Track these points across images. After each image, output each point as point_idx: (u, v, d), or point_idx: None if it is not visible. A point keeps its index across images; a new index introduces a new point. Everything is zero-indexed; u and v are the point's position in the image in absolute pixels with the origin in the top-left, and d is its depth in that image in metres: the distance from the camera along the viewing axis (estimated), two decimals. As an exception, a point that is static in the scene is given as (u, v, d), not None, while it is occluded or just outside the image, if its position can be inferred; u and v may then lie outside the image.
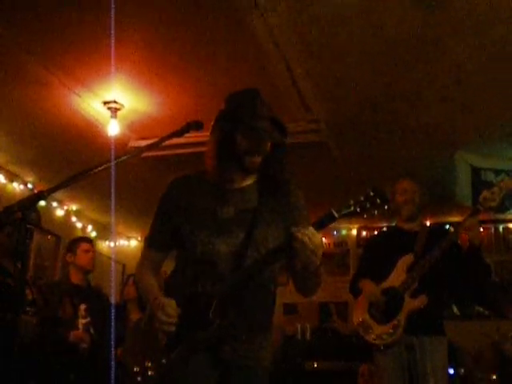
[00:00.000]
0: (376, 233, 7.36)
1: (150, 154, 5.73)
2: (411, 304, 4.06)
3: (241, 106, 2.65)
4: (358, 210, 2.35)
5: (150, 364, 2.48)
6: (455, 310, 8.06)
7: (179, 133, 2.54)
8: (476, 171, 6.03)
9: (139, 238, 9.81)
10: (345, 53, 4.51)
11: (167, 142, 2.58)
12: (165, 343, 2.40)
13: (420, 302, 4.04)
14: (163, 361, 2.39)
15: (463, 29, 4.16)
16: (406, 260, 4.23)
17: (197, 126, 2.55)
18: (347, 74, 4.82)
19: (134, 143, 5.88)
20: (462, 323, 7.77)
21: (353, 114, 5.45)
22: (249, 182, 2.67)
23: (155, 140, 2.62)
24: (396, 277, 4.17)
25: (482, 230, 8.16)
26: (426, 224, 5.74)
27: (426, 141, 5.95)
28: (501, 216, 7.94)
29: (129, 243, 9.89)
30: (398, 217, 4.59)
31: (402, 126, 5.63)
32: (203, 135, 5.51)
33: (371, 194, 2.38)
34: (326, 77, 4.85)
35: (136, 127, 5.76)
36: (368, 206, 2.36)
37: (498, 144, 6.01)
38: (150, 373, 2.47)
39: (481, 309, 8.03)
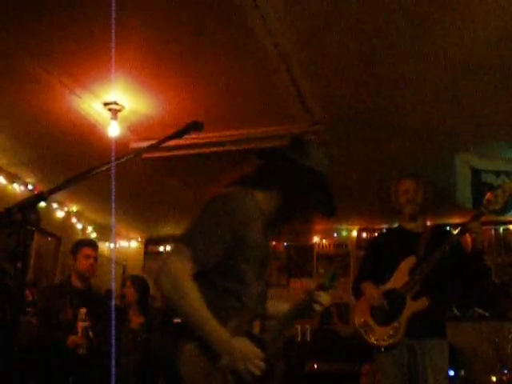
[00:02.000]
0: (377, 233, 7.36)
1: (151, 155, 5.73)
2: (413, 306, 4.05)
3: (319, 161, 2.62)
4: None
5: None
6: (455, 311, 8.05)
7: (179, 134, 2.52)
8: (476, 173, 6.03)
9: (139, 239, 9.83)
10: (345, 54, 4.51)
11: (167, 143, 2.57)
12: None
13: (422, 304, 4.03)
14: None
15: (462, 29, 4.17)
16: (408, 262, 4.22)
17: (197, 126, 2.53)
18: (347, 76, 4.82)
19: (134, 144, 5.88)
20: (462, 324, 7.78)
21: (352, 114, 5.45)
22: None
23: (155, 141, 2.61)
24: (398, 279, 4.16)
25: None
26: (427, 225, 5.73)
27: (426, 142, 5.95)
28: (501, 218, 7.94)
29: (129, 244, 9.89)
30: (400, 216, 4.58)
31: (401, 126, 5.63)
32: (203, 136, 5.54)
33: None
34: (325, 78, 4.85)
35: (136, 128, 5.76)
36: None
37: (498, 145, 6.01)
38: None
39: (481, 310, 8.03)
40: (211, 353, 2.30)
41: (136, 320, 5.97)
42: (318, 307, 2.62)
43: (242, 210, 2.50)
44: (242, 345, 2.34)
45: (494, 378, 6.50)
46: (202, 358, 2.32)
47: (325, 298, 2.64)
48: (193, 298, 2.32)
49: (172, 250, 2.50)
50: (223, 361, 2.30)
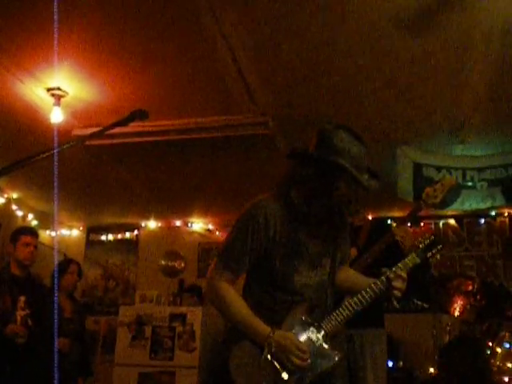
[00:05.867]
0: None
1: (94, 142, 5.66)
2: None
3: (345, 152, 2.67)
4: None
5: None
6: (395, 302, 8.16)
7: (124, 122, 2.50)
8: (418, 167, 6.12)
9: (81, 228, 9.70)
10: (292, 47, 4.53)
11: (111, 131, 2.55)
12: (289, 376, 2.57)
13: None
14: None
15: (403, 26, 4.23)
16: (348, 253, 4.28)
17: (141, 115, 2.51)
18: (294, 69, 4.84)
19: (77, 131, 5.78)
20: (401, 316, 7.91)
21: (299, 107, 5.47)
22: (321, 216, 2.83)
23: (99, 128, 2.59)
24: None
25: (422, 225, 8.34)
26: (368, 218, 5.81)
27: (369, 136, 5.99)
28: (441, 212, 8.10)
29: (70, 233, 9.75)
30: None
31: (345, 120, 5.67)
32: (148, 125, 5.51)
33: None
34: (273, 71, 4.86)
35: (80, 115, 5.67)
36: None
37: (439, 140, 6.11)
38: None
39: (420, 302, 8.18)
40: (258, 347, 2.61)
41: (68, 308, 5.92)
42: (397, 293, 2.78)
43: (264, 215, 2.72)
44: (282, 337, 2.59)
45: (431, 369, 6.63)
46: (251, 352, 2.62)
47: (401, 282, 2.80)
48: (236, 305, 2.71)
49: (212, 267, 2.82)
50: (265, 353, 2.57)
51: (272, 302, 2.74)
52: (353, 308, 2.76)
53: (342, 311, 2.75)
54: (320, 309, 2.75)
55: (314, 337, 2.68)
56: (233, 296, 2.74)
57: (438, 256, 3.04)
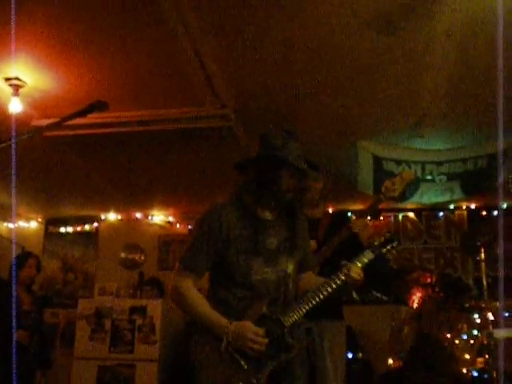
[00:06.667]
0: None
1: (53, 133, 5.60)
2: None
3: (283, 148, 2.98)
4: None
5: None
6: (354, 295, 8.24)
7: (83, 112, 2.49)
8: (378, 160, 6.17)
9: (39, 220, 9.59)
10: (254, 41, 4.53)
11: (71, 122, 2.53)
12: (248, 366, 2.73)
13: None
14: (254, 381, 2.70)
15: (363, 23, 4.26)
16: (308, 246, 4.31)
17: (101, 106, 2.50)
18: (256, 63, 4.84)
19: (36, 122, 5.71)
20: (360, 308, 7.98)
21: (260, 100, 5.48)
22: (276, 215, 3.06)
23: (58, 119, 2.56)
24: (297, 262, 4.22)
25: (382, 218, 8.43)
26: (328, 211, 5.86)
27: (330, 129, 6.05)
28: (401, 205, 8.19)
29: (29, 225, 9.64)
30: (301, 204, 4.66)
31: (306, 114, 5.71)
32: (108, 116, 5.45)
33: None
34: (234, 64, 4.85)
35: (39, 106, 5.60)
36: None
37: (399, 134, 6.17)
38: None
39: (379, 294, 8.27)
40: (218, 340, 2.75)
41: (26, 300, 5.87)
42: (353, 287, 2.98)
43: (218, 218, 2.95)
44: (240, 326, 2.75)
45: (390, 361, 6.70)
46: (212, 345, 2.77)
47: (356, 271, 2.98)
48: (196, 302, 2.91)
49: (175, 271, 3.03)
50: (224, 343, 2.72)
51: (232, 298, 2.90)
52: (311, 301, 2.91)
53: (301, 304, 2.89)
54: (279, 303, 2.88)
55: (273, 329, 2.78)
56: (193, 294, 2.93)
57: (394, 252, 3.16)
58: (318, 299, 2.91)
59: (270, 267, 2.93)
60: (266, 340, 2.74)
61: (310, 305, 2.90)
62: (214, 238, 2.93)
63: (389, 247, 3.14)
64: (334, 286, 2.95)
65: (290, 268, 2.99)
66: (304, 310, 2.88)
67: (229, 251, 2.91)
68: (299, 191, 3.12)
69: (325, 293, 2.94)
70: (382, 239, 3.13)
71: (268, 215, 3.03)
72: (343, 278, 2.96)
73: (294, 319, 2.85)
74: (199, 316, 2.89)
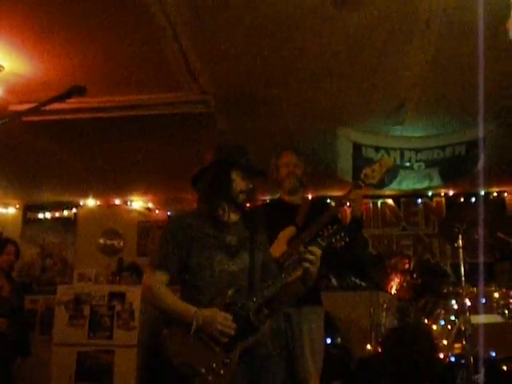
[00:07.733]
0: (258, 204, 7.46)
1: (31, 118, 5.55)
2: (291, 274, 4.14)
3: (232, 154, 3.26)
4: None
5: (214, 365, 2.84)
6: (333, 281, 8.31)
7: (61, 97, 2.48)
8: (357, 147, 6.19)
9: (17, 206, 9.53)
10: (232, 27, 4.50)
11: (49, 107, 2.51)
12: (219, 348, 2.87)
13: (298, 272, 4.14)
14: (227, 360, 2.85)
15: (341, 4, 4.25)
16: (287, 232, 4.32)
17: (79, 91, 2.49)
18: (234, 48, 4.81)
19: (14, 107, 5.65)
20: (339, 294, 8.05)
21: (240, 86, 5.47)
22: (237, 216, 3.28)
23: (36, 104, 2.54)
24: (277, 248, 4.22)
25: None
26: (307, 197, 5.86)
27: (309, 115, 6.05)
28: (379, 192, 8.23)
29: (7, 211, 9.57)
30: (280, 190, 4.67)
31: (286, 100, 5.70)
32: (87, 101, 5.40)
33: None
34: (213, 49, 4.82)
35: (17, 90, 5.54)
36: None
37: (378, 121, 6.19)
38: (222, 372, 2.83)
39: (357, 280, 8.33)
40: (187, 328, 2.89)
41: (5, 287, 5.85)
42: (305, 265, 3.02)
43: (180, 222, 3.19)
44: (208, 312, 2.91)
45: (368, 346, 6.75)
46: (184, 332, 2.90)
47: (313, 254, 3.04)
48: (165, 296, 3.06)
49: (145, 272, 3.24)
50: (193, 328, 2.86)
51: (198, 292, 3.06)
52: (273, 287, 3.05)
53: (263, 291, 3.03)
54: (245, 292, 3.04)
55: (239, 313, 2.93)
56: (163, 289, 3.08)
57: (343, 242, 3.27)
58: (279, 285, 3.05)
59: (232, 261, 3.11)
60: (235, 324, 2.89)
61: (273, 289, 3.03)
62: (180, 241, 3.12)
63: (338, 237, 3.26)
64: (291, 270, 3.10)
65: (253, 261, 3.16)
66: (266, 295, 3.01)
67: (193, 248, 3.11)
68: (251, 192, 3.29)
69: (286, 278, 3.08)
70: (331, 231, 3.21)
71: (229, 217, 3.23)
72: (300, 260, 3.07)
73: (257, 304, 2.97)
74: (169, 307, 3.04)
